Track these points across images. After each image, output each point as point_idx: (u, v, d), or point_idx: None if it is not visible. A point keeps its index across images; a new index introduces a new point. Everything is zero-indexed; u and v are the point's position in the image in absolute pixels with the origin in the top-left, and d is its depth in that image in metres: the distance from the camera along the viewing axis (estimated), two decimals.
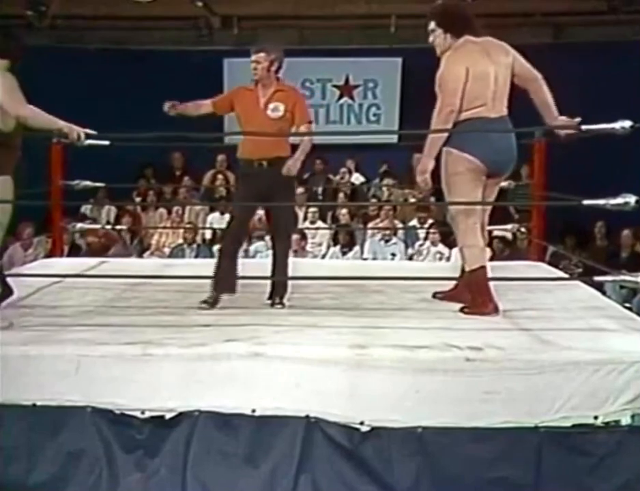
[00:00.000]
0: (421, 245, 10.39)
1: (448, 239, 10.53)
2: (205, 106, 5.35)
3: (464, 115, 4.84)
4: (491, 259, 9.60)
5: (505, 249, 9.82)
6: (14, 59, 4.76)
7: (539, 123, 5.17)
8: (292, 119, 5.20)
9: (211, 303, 5.08)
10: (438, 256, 10.18)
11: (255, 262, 7.80)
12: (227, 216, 11.30)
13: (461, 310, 4.88)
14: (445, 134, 4.83)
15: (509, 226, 7.78)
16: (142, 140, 6.61)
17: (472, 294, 4.89)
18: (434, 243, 10.28)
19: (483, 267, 4.86)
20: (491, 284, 4.91)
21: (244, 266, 5.37)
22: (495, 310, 4.80)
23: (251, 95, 5.20)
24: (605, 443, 3.91)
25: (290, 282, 5.28)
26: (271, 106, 5.14)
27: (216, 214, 11.51)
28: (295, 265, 5.67)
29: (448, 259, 10.09)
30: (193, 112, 5.36)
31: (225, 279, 5.10)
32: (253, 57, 5.16)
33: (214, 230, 11.05)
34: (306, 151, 5.19)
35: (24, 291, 5.39)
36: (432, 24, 5.03)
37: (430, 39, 5.06)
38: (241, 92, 5.30)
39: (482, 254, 4.93)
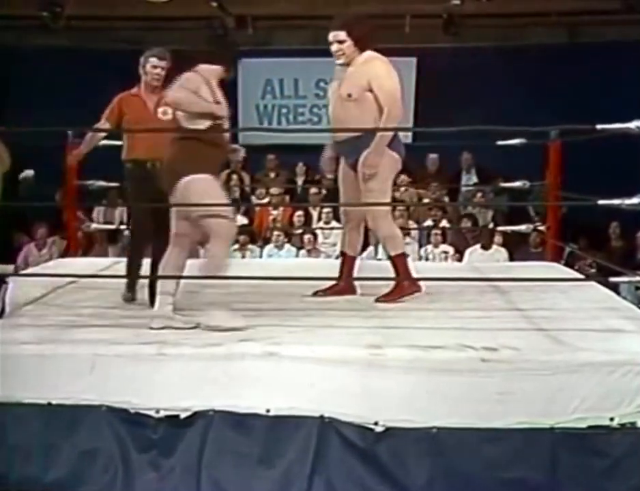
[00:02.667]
0: (426, 250, 10.44)
1: (452, 239, 10.56)
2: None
3: None
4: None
5: (539, 246, 9.73)
6: (226, 68, 4.75)
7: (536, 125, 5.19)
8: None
9: (130, 300, 5.27)
10: (444, 255, 10.20)
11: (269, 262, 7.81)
12: (240, 216, 11.46)
13: (385, 298, 5.17)
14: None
15: (523, 227, 7.75)
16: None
17: (401, 277, 5.25)
18: (436, 245, 10.32)
19: (404, 253, 5.34)
20: (507, 284, 5.00)
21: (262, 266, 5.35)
22: (419, 289, 5.22)
23: (138, 100, 5.32)
24: (621, 445, 3.89)
25: (291, 282, 5.32)
26: (160, 109, 5.21)
27: None
28: (309, 265, 5.69)
29: (459, 259, 10.08)
30: (98, 142, 5.51)
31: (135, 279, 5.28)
32: (158, 63, 5.27)
33: None
34: None
35: (39, 291, 5.42)
36: (341, 35, 5.14)
37: (334, 47, 5.17)
38: (127, 99, 5.37)
39: (402, 242, 5.46)
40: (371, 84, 5.10)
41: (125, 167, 5.37)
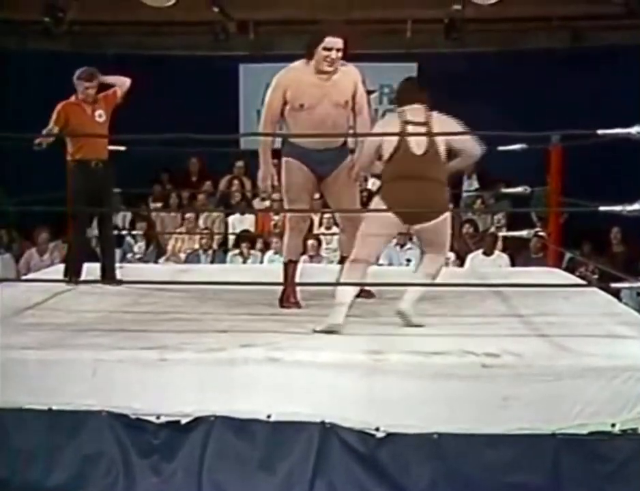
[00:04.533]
0: None
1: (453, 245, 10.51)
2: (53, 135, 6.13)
3: None
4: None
5: (539, 252, 9.69)
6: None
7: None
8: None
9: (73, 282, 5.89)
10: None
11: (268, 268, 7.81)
12: (247, 217, 11.48)
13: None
14: None
15: (524, 232, 7.74)
16: (157, 143, 6.64)
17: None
18: None
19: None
20: (508, 289, 4.95)
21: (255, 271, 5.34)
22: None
23: (78, 108, 6.15)
24: (622, 451, 3.89)
25: (299, 288, 5.34)
26: (96, 113, 6.17)
27: (237, 215, 11.57)
28: (309, 270, 5.69)
29: (460, 265, 10.05)
30: (50, 141, 6.04)
31: (75, 267, 6.10)
32: (89, 84, 6.13)
33: (231, 233, 11.12)
34: None
35: (40, 296, 5.42)
36: (341, 43, 5.14)
37: (334, 55, 5.14)
38: (70, 108, 6.15)
39: None
40: (356, 91, 5.25)
41: (71, 166, 6.13)
